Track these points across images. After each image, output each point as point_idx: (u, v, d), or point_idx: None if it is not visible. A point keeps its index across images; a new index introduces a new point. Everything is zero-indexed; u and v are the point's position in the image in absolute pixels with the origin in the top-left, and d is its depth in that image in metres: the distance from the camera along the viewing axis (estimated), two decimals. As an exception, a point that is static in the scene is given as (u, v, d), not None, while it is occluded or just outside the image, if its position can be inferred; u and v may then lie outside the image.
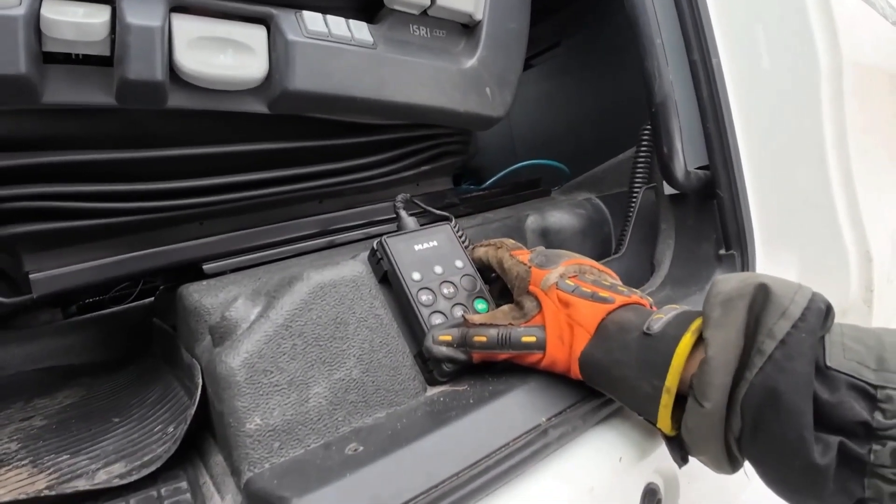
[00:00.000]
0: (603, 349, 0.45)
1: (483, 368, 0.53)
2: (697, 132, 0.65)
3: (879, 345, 0.37)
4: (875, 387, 0.36)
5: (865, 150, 0.66)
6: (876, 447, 0.35)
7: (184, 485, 0.47)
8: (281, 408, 0.44)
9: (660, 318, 0.44)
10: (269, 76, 0.54)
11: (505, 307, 0.53)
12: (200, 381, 0.49)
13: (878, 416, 0.35)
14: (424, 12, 0.62)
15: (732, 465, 0.41)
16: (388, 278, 0.56)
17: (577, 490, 0.44)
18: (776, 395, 0.37)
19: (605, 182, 0.82)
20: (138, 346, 0.91)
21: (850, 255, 0.60)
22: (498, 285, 0.60)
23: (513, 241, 0.57)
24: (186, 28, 0.50)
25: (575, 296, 0.48)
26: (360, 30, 0.58)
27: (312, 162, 0.62)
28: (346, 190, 0.66)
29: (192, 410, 0.48)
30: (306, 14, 0.55)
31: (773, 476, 0.39)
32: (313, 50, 0.55)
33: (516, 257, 0.54)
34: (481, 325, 0.50)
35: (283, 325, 0.46)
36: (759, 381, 0.37)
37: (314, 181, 0.61)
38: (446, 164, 0.74)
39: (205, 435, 0.53)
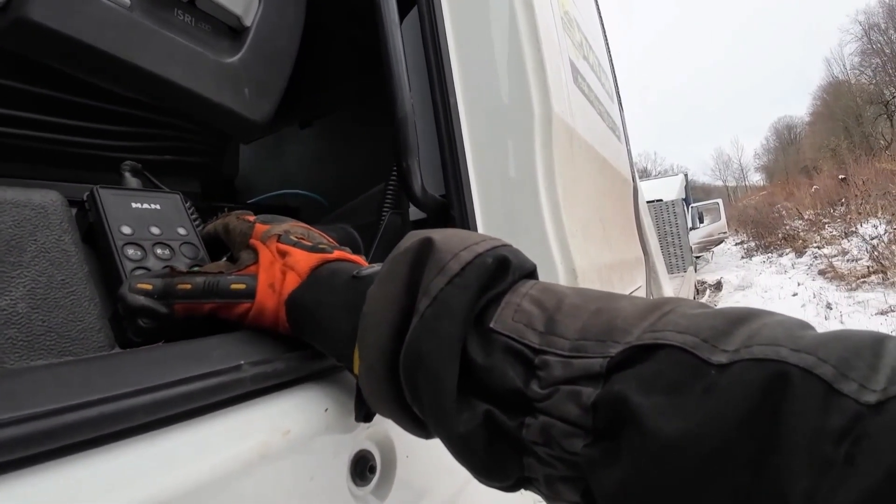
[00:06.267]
0: (311, 292, 0.44)
1: (186, 332, 0.48)
2: (437, 164, 0.73)
3: (556, 305, 0.33)
4: (536, 351, 0.31)
5: (574, 197, 0.79)
6: (528, 420, 0.30)
7: None
8: None
9: (372, 266, 0.44)
10: (6, 5, 0.50)
11: (220, 262, 0.50)
12: None
13: (534, 384, 0.30)
14: (192, 1, 0.63)
15: (424, 431, 0.38)
16: (93, 234, 0.50)
17: (269, 431, 0.40)
18: (422, 356, 0.33)
19: (358, 213, 0.86)
20: None
21: (558, 271, 0.69)
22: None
23: (243, 210, 0.56)
24: None
25: (295, 248, 0.47)
26: (119, -10, 0.56)
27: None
28: (66, 156, 0.59)
29: None
30: (62, -42, 0.52)
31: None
32: (62, -11, 0.52)
33: (242, 218, 0.53)
34: (188, 272, 0.46)
35: (-71, 228, 0.38)
36: (411, 341, 0.34)
37: (14, 128, 0.54)
38: (193, 162, 0.71)
39: None
